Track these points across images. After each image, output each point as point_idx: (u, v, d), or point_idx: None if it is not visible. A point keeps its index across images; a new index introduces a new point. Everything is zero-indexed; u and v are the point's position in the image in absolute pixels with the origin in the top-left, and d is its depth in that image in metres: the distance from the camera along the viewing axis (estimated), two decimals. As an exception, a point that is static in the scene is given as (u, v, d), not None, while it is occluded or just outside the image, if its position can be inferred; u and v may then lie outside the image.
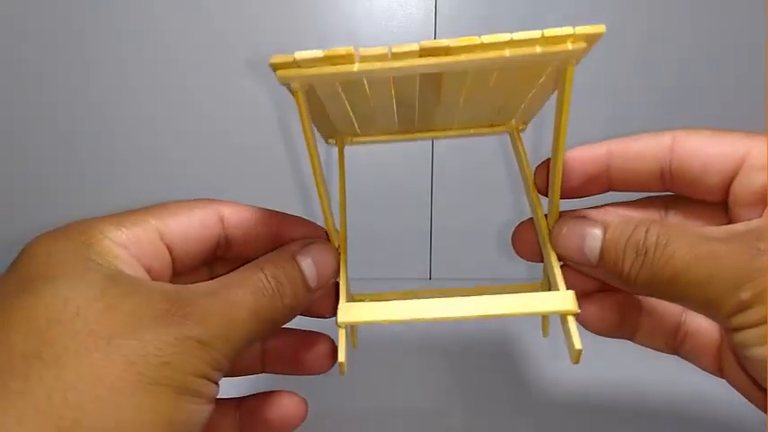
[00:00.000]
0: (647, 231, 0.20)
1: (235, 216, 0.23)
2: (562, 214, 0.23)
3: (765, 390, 0.20)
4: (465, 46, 0.19)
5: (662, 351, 0.24)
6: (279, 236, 0.23)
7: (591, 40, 0.21)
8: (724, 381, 0.23)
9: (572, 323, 0.21)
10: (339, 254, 0.23)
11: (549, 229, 0.23)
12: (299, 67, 0.20)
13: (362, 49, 0.19)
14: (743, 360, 0.19)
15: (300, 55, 0.19)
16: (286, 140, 0.53)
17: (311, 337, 0.25)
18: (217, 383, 0.19)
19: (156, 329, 0.17)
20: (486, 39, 0.19)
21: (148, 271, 0.20)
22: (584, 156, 0.23)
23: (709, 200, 0.22)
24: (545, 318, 0.27)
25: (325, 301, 0.24)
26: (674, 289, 0.19)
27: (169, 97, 0.52)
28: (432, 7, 0.50)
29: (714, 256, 0.18)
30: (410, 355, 0.39)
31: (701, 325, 0.23)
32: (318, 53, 0.19)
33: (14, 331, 0.16)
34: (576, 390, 0.39)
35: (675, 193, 0.23)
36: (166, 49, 0.51)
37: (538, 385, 0.39)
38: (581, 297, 0.21)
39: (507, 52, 0.19)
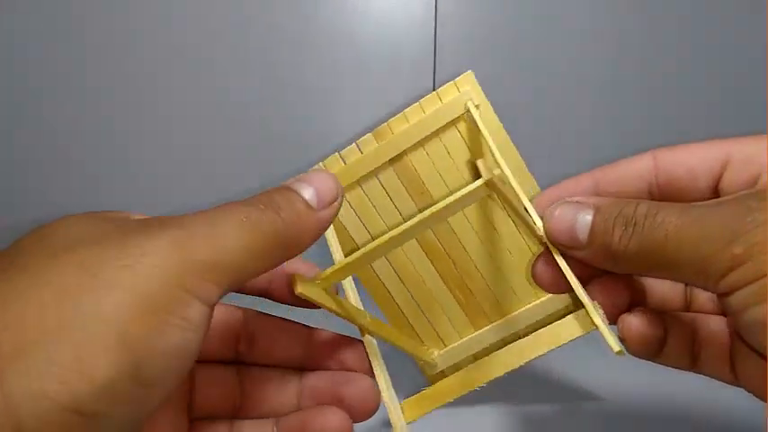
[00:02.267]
0: (636, 205, 0.20)
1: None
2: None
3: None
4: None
5: (682, 368, 0.24)
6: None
7: (465, 83, 0.27)
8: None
9: (603, 330, 0.21)
10: (336, 178, 0.21)
11: (541, 217, 0.23)
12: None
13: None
14: (743, 332, 0.19)
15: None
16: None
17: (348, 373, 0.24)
18: (202, 303, 0.17)
19: (124, 236, 0.16)
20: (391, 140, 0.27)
21: None
22: (570, 189, 0.24)
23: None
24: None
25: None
26: (665, 256, 0.19)
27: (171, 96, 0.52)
28: (432, 7, 0.50)
29: (705, 217, 0.18)
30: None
31: (713, 331, 0.23)
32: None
33: (4, 253, 0.17)
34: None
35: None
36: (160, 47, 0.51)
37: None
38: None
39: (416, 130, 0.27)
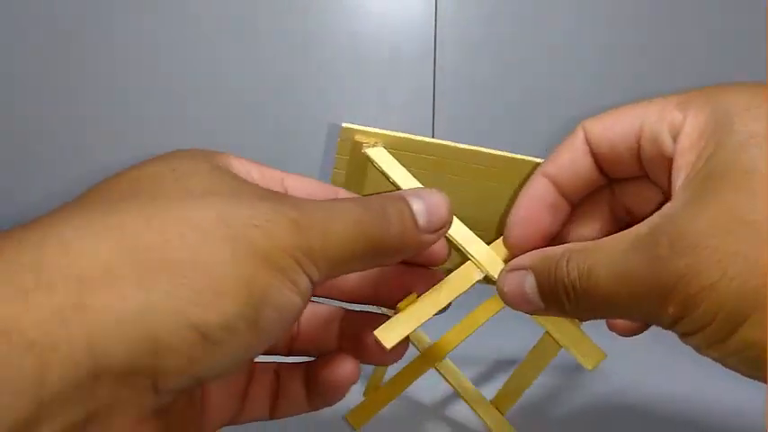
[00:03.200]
0: (567, 265, 0.20)
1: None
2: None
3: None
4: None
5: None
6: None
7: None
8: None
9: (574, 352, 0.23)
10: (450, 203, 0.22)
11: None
12: None
13: None
14: (722, 362, 0.19)
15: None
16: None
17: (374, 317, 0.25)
18: (309, 279, 0.18)
19: (253, 200, 0.18)
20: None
21: None
22: (532, 198, 0.24)
23: (635, 175, 0.22)
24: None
25: (439, 247, 0.24)
26: (614, 311, 0.19)
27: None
28: (432, 7, 0.50)
29: (629, 274, 0.18)
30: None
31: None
32: None
33: (119, 183, 0.18)
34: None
35: (613, 177, 0.23)
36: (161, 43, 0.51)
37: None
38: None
39: None
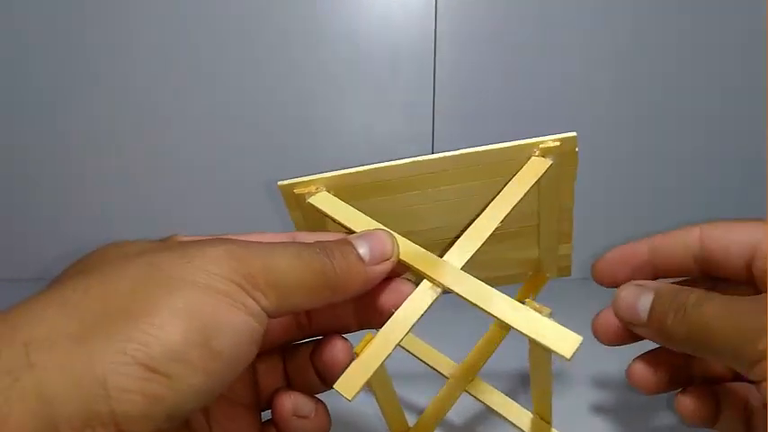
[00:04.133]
0: (689, 294, 0.23)
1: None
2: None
3: None
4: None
5: None
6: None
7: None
8: None
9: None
10: (394, 238, 0.24)
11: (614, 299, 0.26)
12: None
13: None
14: None
15: None
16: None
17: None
18: (256, 303, 0.19)
19: (185, 247, 0.19)
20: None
21: None
22: (627, 253, 0.28)
23: (738, 280, 0.25)
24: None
25: (389, 293, 0.25)
26: (706, 342, 0.22)
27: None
28: (431, 7, 0.50)
29: (739, 311, 0.21)
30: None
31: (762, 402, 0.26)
32: None
33: (73, 266, 0.20)
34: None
35: (710, 276, 0.27)
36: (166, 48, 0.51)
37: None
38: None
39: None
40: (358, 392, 0.20)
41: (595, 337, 0.27)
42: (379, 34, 0.51)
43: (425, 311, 0.23)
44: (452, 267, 0.24)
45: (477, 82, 0.52)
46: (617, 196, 0.55)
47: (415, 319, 0.22)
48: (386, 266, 0.23)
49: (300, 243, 0.22)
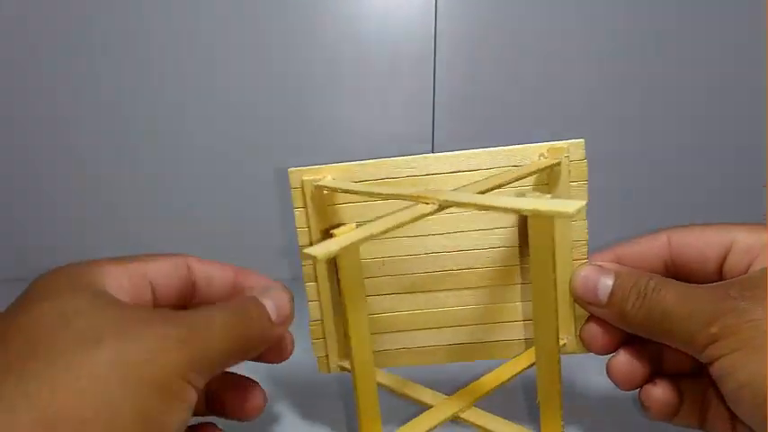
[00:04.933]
0: (648, 279, 0.24)
1: (199, 265, 0.27)
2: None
3: None
4: None
5: (692, 427, 0.27)
6: (236, 284, 0.27)
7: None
8: None
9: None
10: (293, 297, 0.26)
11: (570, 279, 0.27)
12: None
13: None
14: (726, 398, 0.22)
15: None
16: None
17: (246, 383, 0.28)
18: (196, 390, 0.21)
19: (140, 328, 0.20)
20: None
21: (134, 301, 0.24)
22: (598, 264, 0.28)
23: (710, 281, 0.25)
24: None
25: (278, 349, 0.27)
26: (663, 326, 0.23)
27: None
28: (432, 7, 0.50)
29: (695, 298, 0.23)
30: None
31: (717, 394, 0.26)
32: None
33: (15, 338, 0.19)
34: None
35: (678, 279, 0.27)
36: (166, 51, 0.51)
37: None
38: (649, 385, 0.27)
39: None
40: (327, 255, 0.21)
41: (587, 348, 0.28)
42: (379, 34, 0.51)
43: (416, 219, 0.23)
44: (447, 191, 0.24)
45: (477, 82, 0.52)
46: (615, 196, 0.56)
47: (403, 221, 0.22)
48: (285, 327, 0.25)
49: (230, 309, 0.23)
